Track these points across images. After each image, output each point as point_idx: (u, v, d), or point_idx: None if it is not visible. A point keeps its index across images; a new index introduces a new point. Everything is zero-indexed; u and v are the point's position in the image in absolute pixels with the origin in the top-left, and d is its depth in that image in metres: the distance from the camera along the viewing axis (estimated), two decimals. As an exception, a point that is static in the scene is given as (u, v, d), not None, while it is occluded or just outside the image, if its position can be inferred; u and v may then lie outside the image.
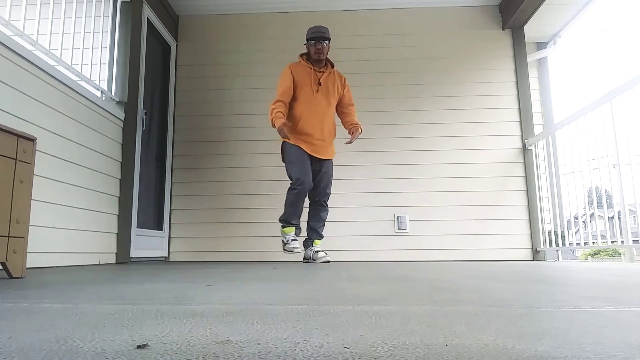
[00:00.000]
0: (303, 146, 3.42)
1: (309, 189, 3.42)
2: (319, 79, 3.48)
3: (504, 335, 0.70)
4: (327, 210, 3.55)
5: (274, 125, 3.35)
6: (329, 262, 3.43)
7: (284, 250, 3.50)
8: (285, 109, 3.39)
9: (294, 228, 3.48)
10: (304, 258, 3.59)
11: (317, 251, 3.48)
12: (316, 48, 3.45)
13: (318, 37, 3.45)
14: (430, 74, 4.68)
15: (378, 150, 4.51)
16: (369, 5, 4.77)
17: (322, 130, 3.46)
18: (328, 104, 3.50)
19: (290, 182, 3.44)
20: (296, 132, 3.42)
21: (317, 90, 3.45)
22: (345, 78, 3.65)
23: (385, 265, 3.21)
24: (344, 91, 3.62)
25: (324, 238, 3.63)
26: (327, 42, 3.50)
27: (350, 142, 3.53)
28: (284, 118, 3.31)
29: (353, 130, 3.55)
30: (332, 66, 3.61)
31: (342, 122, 3.67)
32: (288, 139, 3.37)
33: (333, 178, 3.59)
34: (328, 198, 3.54)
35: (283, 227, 3.51)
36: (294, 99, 3.45)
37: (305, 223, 3.57)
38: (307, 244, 3.55)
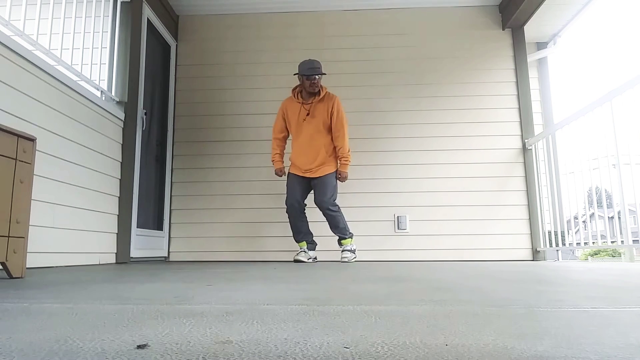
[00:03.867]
0: (297, 172, 3.73)
1: (300, 209, 3.71)
2: (308, 110, 3.66)
3: (504, 335, 0.70)
4: (335, 215, 3.66)
5: (273, 162, 3.84)
6: (347, 261, 3.61)
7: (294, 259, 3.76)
8: (280, 146, 3.83)
9: (304, 242, 3.75)
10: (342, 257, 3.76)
11: (343, 250, 3.69)
12: (311, 82, 3.61)
13: (312, 73, 3.59)
14: (430, 74, 4.68)
15: (378, 150, 4.51)
16: (369, 5, 4.77)
17: (313, 161, 3.67)
18: (318, 131, 3.66)
19: None
20: (293, 163, 3.76)
21: (304, 120, 3.66)
22: (335, 100, 3.69)
23: (385, 265, 3.22)
24: (332, 117, 3.66)
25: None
26: (320, 75, 3.63)
27: (341, 180, 3.73)
28: (280, 161, 3.80)
29: (340, 165, 3.72)
30: (321, 92, 3.68)
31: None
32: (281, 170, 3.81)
33: (336, 186, 3.73)
34: (328, 205, 3.62)
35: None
36: (289, 133, 3.80)
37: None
38: (339, 243, 3.74)
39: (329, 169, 3.69)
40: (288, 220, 3.75)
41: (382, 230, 4.42)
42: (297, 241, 3.75)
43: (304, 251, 3.71)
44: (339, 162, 3.72)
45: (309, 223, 3.78)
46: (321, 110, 3.65)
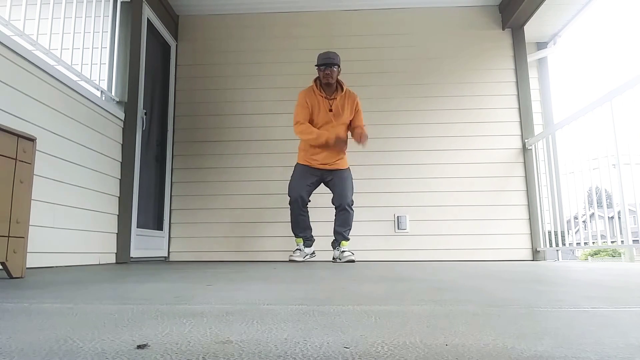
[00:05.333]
0: (311, 163, 3.66)
1: (303, 204, 3.63)
2: (331, 106, 3.62)
3: (504, 335, 0.70)
4: (351, 214, 3.66)
5: (326, 143, 3.57)
6: (353, 261, 3.57)
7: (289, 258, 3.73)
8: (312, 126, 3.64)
9: (301, 239, 3.70)
10: (333, 258, 3.76)
11: (343, 251, 3.65)
12: (324, 73, 3.60)
13: (326, 63, 3.58)
14: (430, 74, 4.68)
15: (378, 150, 4.51)
16: (369, 5, 4.77)
17: (331, 156, 3.63)
18: (342, 128, 3.66)
19: None
20: (308, 154, 3.67)
21: (331, 120, 3.61)
22: (357, 98, 3.72)
23: (385, 265, 3.21)
24: (355, 113, 3.71)
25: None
26: (335, 67, 3.61)
27: (362, 143, 3.63)
28: (325, 131, 3.58)
29: (361, 135, 3.63)
30: (343, 89, 3.69)
31: (351, 135, 3.74)
32: (345, 142, 3.61)
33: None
34: (349, 202, 3.64)
35: (295, 237, 3.76)
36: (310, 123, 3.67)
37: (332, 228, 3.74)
38: (334, 245, 3.71)
39: (345, 163, 3.71)
40: (290, 215, 3.68)
41: (382, 230, 4.42)
42: (296, 235, 3.71)
43: (300, 249, 3.68)
44: (361, 131, 3.64)
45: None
46: (344, 107, 3.65)
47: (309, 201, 3.70)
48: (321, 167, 3.64)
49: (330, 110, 3.61)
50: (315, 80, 3.71)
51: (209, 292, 1.33)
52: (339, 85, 3.70)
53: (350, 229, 3.68)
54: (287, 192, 3.67)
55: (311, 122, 3.65)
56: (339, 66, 3.63)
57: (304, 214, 3.68)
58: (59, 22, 3.05)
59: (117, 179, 3.61)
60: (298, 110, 3.65)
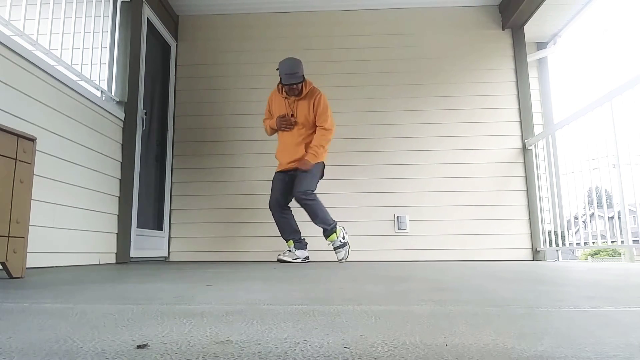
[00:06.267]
0: (280, 168, 3.74)
1: (279, 208, 3.69)
2: (291, 109, 3.66)
3: (504, 335, 0.70)
4: (311, 204, 3.56)
5: (270, 128, 3.79)
6: (344, 259, 3.66)
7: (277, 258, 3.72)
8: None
9: (291, 241, 3.69)
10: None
11: (335, 247, 3.66)
12: (290, 88, 3.59)
13: (288, 83, 3.55)
14: (429, 74, 4.68)
15: (378, 150, 4.51)
16: (369, 5, 4.77)
17: (294, 154, 3.65)
18: (299, 129, 3.66)
19: None
20: (279, 160, 3.77)
21: (295, 123, 3.65)
22: (318, 96, 3.64)
23: (385, 265, 3.21)
24: (317, 111, 3.64)
25: (323, 237, 3.68)
26: (300, 83, 3.58)
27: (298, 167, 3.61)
28: (272, 120, 3.76)
29: (303, 157, 3.60)
30: (301, 93, 3.63)
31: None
32: (292, 117, 3.65)
33: (316, 178, 3.67)
34: (301, 194, 3.55)
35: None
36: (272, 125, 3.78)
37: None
38: (328, 240, 3.69)
39: (304, 157, 3.65)
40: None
41: (382, 230, 4.42)
42: (285, 240, 3.70)
43: (290, 251, 3.64)
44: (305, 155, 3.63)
45: (296, 222, 3.72)
46: (303, 108, 3.63)
47: (289, 202, 3.69)
48: (287, 168, 3.66)
49: (292, 115, 3.65)
50: (278, 84, 3.72)
51: (209, 292, 1.33)
52: (304, 86, 3.64)
53: (323, 217, 3.57)
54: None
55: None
56: (303, 77, 3.59)
57: (286, 217, 3.69)
58: (59, 22, 3.05)
59: (117, 179, 3.61)
60: (265, 110, 3.88)
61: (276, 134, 3.81)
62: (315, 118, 3.63)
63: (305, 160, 3.58)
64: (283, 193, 3.68)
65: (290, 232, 3.68)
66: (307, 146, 3.63)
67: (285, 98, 3.66)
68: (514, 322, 0.82)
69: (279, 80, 3.68)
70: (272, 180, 3.76)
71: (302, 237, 3.71)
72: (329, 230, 3.62)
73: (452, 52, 4.71)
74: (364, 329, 0.76)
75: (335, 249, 3.65)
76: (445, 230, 4.38)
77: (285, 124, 3.63)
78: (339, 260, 3.65)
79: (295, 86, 3.57)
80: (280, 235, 3.74)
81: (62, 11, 3.10)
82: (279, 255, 3.65)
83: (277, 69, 3.62)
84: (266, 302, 1.09)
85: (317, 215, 3.59)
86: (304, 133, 3.65)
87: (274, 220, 3.74)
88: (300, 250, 3.66)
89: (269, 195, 3.74)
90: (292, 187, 3.63)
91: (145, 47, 4.08)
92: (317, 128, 3.64)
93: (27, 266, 2.23)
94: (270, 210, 3.71)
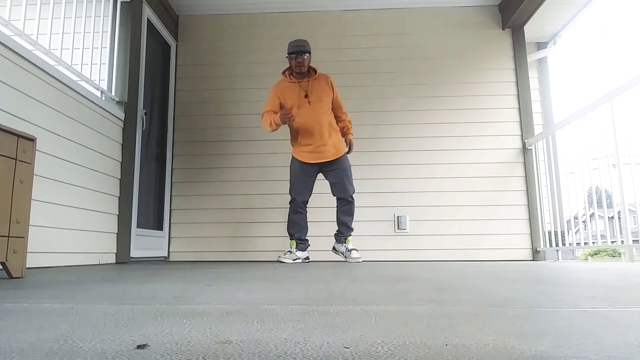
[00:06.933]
0: (307, 158, 3.57)
1: (303, 204, 3.59)
2: (305, 90, 3.56)
3: (504, 335, 0.70)
4: (354, 204, 3.63)
5: (275, 124, 3.53)
6: (360, 262, 3.55)
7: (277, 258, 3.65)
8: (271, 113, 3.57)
9: (294, 242, 3.62)
10: (333, 248, 3.74)
11: (351, 250, 3.63)
12: (296, 62, 3.52)
13: (298, 50, 3.51)
14: (430, 74, 4.68)
15: (378, 150, 4.51)
16: (369, 5, 4.77)
17: (321, 135, 3.55)
18: (321, 107, 3.57)
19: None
20: (299, 145, 3.59)
21: (308, 102, 3.54)
22: (330, 78, 3.68)
23: (385, 265, 3.21)
24: (334, 92, 3.66)
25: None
26: (307, 55, 3.55)
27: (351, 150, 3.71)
28: (276, 113, 3.52)
29: (348, 145, 3.69)
30: (315, 72, 3.64)
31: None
32: (292, 116, 3.44)
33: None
34: (351, 192, 3.60)
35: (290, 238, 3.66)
36: None
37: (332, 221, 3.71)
38: (339, 238, 3.67)
39: (343, 147, 3.66)
40: (288, 214, 3.64)
41: (382, 230, 4.42)
42: (290, 236, 3.61)
43: (290, 252, 3.58)
44: (346, 134, 3.68)
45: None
46: (320, 88, 3.58)
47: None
48: (315, 161, 3.57)
49: (306, 96, 3.53)
50: (284, 72, 3.67)
51: (209, 292, 1.33)
52: (312, 70, 3.64)
53: (353, 218, 3.65)
54: (287, 192, 3.67)
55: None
56: (309, 53, 3.56)
57: (302, 212, 3.62)
58: (59, 22, 3.05)
59: (117, 179, 3.61)
60: (267, 104, 3.64)
61: (287, 126, 3.62)
62: (333, 99, 3.63)
63: (351, 142, 3.63)
64: (309, 191, 3.61)
65: (301, 229, 3.62)
66: (330, 126, 3.59)
67: (297, 82, 3.57)
68: (514, 322, 0.82)
69: (283, 70, 3.65)
70: (295, 173, 3.60)
71: (307, 238, 3.70)
72: (351, 232, 3.66)
73: (452, 52, 4.71)
74: (364, 329, 0.76)
75: (350, 250, 3.63)
76: (445, 230, 4.38)
77: (287, 116, 3.43)
78: (357, 260, 3.57)
79: (301, 60, 3.50)
80: (287, 230, 3.64)
81: (62, 11, 3.10)
82: (279, 256, 3.62)
83: (286, 55, 3.57)
84: (266, 302, 1.09)
85: (352, 214, 3.64)
86: (325, 112, 3.58)
87: (289, 214, 3.61)
88: (300, 251, 3.63)
89: (291, 188, 3.60)
90: (313, 183, 3.62)
91: (145, 47, 4.08)
92: (343, 119, 3.68)
93: (27, 266, 2.23)
94: (292, 204, 3.59)
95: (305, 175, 3.59)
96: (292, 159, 3.67)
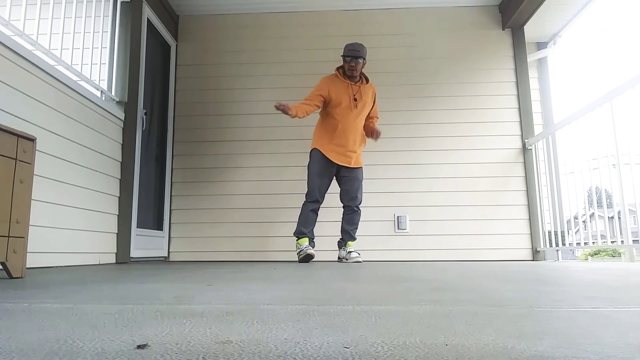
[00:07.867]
0: (334, 157, 3.60)
1: (319, 203, 3.61)
2: (355, 94, 3.61)
3: (504, 335, 0.70)
4: (359, 214, 3.71)
5: (307, 114, 3.51)
6: (360, 262, 3.56)
7: (299, 259, 3.53)
8: (308, 107, 3.50)
9: (307, 239, 3.58)
10: (338, 257, 3.76)
11: (350, 252, 3.64)
12: (349, 65, 3.57)
13: (353, 55, 3.57)
14: (430, 74, 4.68)
15: (378, 150, 4.50)
16: (369, 5, 4.77)
17: (355, 142, 3.64)
18: (363, 115, 3.67)
19: (306, 192, 3.63)
20: (332, 142, 3.60)
21: (356, 106, 3.59)
22: (375, 91, 3.77)
23: (385, 265, 3.22)
24: (374, 105, 3.77)
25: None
26: (361, 60, 3.59)
27: (375, 139, 3.72)
28: (296, 107, 3.42)
29: (374, 132, 3.71)
30: (367, 80, 3.71)
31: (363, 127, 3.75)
32: (289, 109, 3.36)
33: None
34: (358, 202, 3.68)
35: (297, 239, 3.60)
36: (331, 110, 3.60)
37: (339, 226, 3.75)
38: (340, 244, 3.73)
39: (361, 160, 3.74)
40: (301, 211, 3.59)
41: (382, 230, 4.42)
42: (302, 234, 3.55)
43: (308, 247, 3.52)
44: (374, 126, 3.74)
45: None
46: (367, 98, 3.66)
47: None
48: (340, 163, 3.61)
49: (355, 99, 3.59)
50: (337, 69, 3.69)
51: (209, 292, 1.33)
52: (363, 77, 3.71)
53: (357, 228, 3.71)
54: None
55: (333, 110, 3.57)
56: (364, 59, 3.62)
57: (316, 211, 3.63)
58: (59, 22, 3.05)
59: (117, 179, 3.61)
60: (315, 90, 3.58)
61: (330, 118, 3.59)
62: (372, 108, 3.74)
63: (377, 132, 3.67)
64: (326, 191, 3.64)
65: (311, 227, 3.61)
66: (362, 136, 3.69)
67: (350, 84, 3.61)
68: (514, 322, 0.82)
69: (336, 68, 3.67)
70: (315, 167, 3.58)
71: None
72: (354, 238, 3.69)
73: (452, 52, 4.71)
74: (364, 329, 0.76)
75: (350, 252, 3.64)
76: (445, 230, 4.38)
77: (281, 110, 3.35)
78: (357, 260, 3.57)
79: (355, 66, 3.55)
80: (298, 226, 3.57)
81: (62, 11, 3.10)
82: (300, 254, 3.49)
83: (341, 55, 3.62)
84: (266, 302, 1.09)
85: (356, 223, 3.70)
86: (362, 121, 3.67)
87: (303, 211, 3.58)
88: (312, 248, 3.60)
89: (312, 182, 3.57)
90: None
91: (145, 47, 4.08)
92: (374, 119, 3.78)
93: (27, 266, 2.23)
94: (311, 204, 3.56)
95: (327, 170, 3.62)
96: (314, 152, 3.63)
